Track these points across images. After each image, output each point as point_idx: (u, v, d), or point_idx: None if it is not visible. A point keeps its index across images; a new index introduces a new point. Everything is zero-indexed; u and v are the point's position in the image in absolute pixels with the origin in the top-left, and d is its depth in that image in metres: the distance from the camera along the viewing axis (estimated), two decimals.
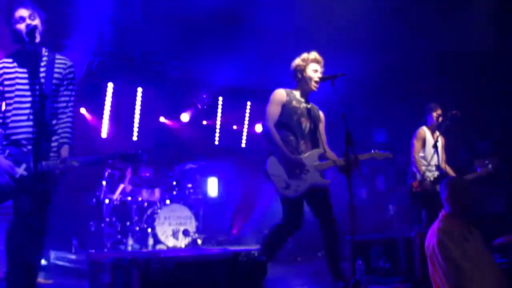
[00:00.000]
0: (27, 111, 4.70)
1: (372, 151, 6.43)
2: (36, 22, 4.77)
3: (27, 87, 4.75)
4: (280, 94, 6.27)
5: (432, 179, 8.19)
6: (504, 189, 9.47)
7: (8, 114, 4.73)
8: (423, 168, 8.24)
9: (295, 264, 10.07)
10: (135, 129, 12.77)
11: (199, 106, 13.70)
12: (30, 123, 4.68)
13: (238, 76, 12.42)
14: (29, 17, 4.75)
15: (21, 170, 4.61)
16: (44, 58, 4.89)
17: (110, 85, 12.26)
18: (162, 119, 13.39)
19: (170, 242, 10.44)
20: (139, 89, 12.83)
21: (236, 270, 4.36)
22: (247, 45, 10.81)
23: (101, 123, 12.19)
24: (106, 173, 10.76)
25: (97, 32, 10.18)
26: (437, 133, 8.58)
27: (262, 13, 10.14)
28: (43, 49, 4.93)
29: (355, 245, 6.17)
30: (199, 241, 10.76)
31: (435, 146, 8.11)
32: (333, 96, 5.66)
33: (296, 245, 10.81)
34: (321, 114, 6.55)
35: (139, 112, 12.84)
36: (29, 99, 4.72)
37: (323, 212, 6.17)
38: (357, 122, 8.45)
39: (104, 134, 12.18)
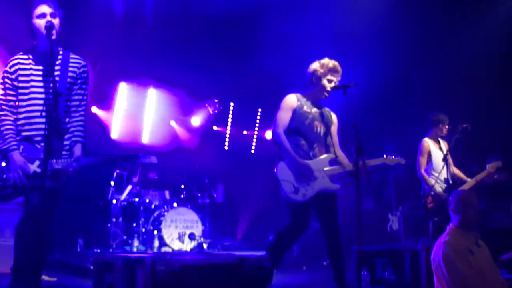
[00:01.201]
0: (41, 107, 4.78)
1: (385, 156, 6.42)
2: (56, 20, 4.84)
3: (41, 84, 4.83)
4: (291, 99, 6.27)
5: (441, 191, 8.10)
6: None
7: (22, 110, 4.82)
8: (433, 181, 8.20)
9: (301, 272, 10.03)
10: (145, 131, 12.79)
11: (210, 111, 13.71)
12: (43, 119, 4.76)
13: (250, 82, 12.42)
14: (51, 14, 4.81)
15: (34, 167, 4.69)
16: (59, 57, 4.95)
17: (122, 85, 12.29)
18: (172, 122, 13.40)
19: (176, 245, 10.43)
20: (151, 90, 12.85)
21: (241, 275, 4.34)
22: (259, 50, 10.82)
23: (111, 123, 12.20)
24: (115, 174, 10.77)
25: (107, 31, 10.20)
26: (441, 141, 8.54)
27: (275, 19, 10.16)
28: (59, 48, 5.00)
29: (361, 255, 6.16)
30: (205, 245, 10.74)
31: (444, 159, 8.07)
32: (344, 105, 5.66)
33: (301, 253, 10.80)
34: (333, 116, 6.54)
35: (150, 114, 12.86)
36: (43, 96, 4.80)
37: (328, 217, 6.15)
38: (368, 133, 8.43)
39: (114, 135, 12.20)
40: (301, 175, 6.00)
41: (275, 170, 6.07)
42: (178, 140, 13.24)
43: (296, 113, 6.21)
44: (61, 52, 4.99)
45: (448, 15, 10.38)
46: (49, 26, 4.73)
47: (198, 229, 10.78)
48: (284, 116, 6.23)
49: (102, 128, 12.03)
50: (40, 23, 4.79)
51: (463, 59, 10.39)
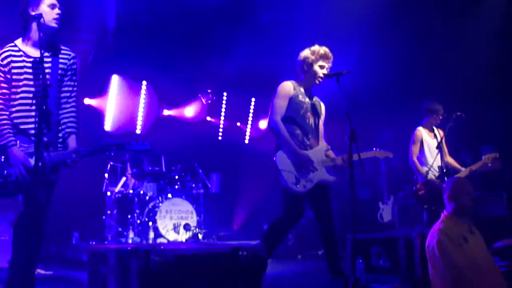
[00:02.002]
0: (34, 100, 4.69)
1: (374, 149, 6.41)
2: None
3: (32, 76, 4.75)
4: (288, 86, 6.21)
5: (437, 175, 8.10)
6: (505, 192, 9.43)
7: (15, 102, 4.74)
8: (425, 169, 8.22)
9: (296, 261, 10.06)
10: (139, 123, 12.78)
11: (203, 102, 13.69)
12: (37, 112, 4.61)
13: (243, 72, 12.39)
14: (59, 7, 4.81)
15: (33, 161, 4.50)
16: (50, 48, 4.89)
17: (115, 78, 12.26)
18: (166, 112, 13.39)
19: (171, 236, 10.44)
20: (144, 83, 12.83)
21: (236, 264, 4.35)
22: (252, 40, 10.81)
23: (105, 116, 12.18)
24: (109, 166, 10.76)
25: (100, 23, 10.18)
26: (436, 130, 8.55)
27: (267, 7, 10.14)
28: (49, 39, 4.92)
29: (355, 244, 6.17)
30: (200, 236, 10.75)
31: (438, 147, 8.07)
32: (338, 93, 5.64)
33: (296, 242, 10.82)
34: (322, 107, 6.51)
35: (143, 105, 12.84)
36: (33, 89, 4.73)
37: (322, 207, 6.16)
38: (363, 122, 8.42)
39: (107, 127, 12.17)
40: (301, 166, 5.98)
41: (274, 159, 6.03)
42: (172, 131, 13.22)
43: (292, 102, 6.17)
44: (51, 43, 4.93)
45: (444, 5, 10.38)
46: (57, 18, 4.75)
47: (193, 220, 10.78)
48: (281, 104, 6.15)
49: (96, 120, 11.99)
50: (48, 12, 4.74)
51: (458, 48, 10.41)
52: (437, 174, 8.13)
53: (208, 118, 14.19)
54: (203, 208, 11.30)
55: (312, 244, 10.22)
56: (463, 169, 8.23)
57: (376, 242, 6.90)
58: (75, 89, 5.02)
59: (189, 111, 13.65)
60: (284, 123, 6.12)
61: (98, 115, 12.10)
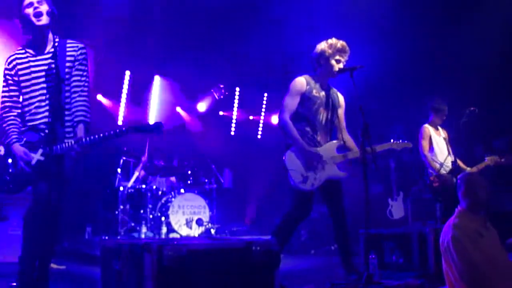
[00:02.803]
0: (43, 96, 4.91)
1: (392, 140, 6.35)
2: (44, 7, 4.90)
3: (41, 73, 4.95)
4: (300, 83, 6.15)
5: (448, 171, 8.21)
6: None
7: (26, 102, 4.97)
8: (437, 165, 8.22)
9: (309, 256, 10.05)
10: (151, 118, 12.80)
11: (216, 96, 13.70)
12: (47, 107, 4.86)
13: (256, 66, 12.38)
14: (38, 2, 4.89)
15: (37, 156, 4.75)
16: (56, 44, 4.98)
17: (127, 73, 12.28)
18: (178, 109, 13.41)
19: (184, 231, 10.45)
20: (156, 78, 12.84)
21: (249, 259, 4.34)
22: (265, 35, 10.79)
23: (118, 111, 12.20)
24: (121, 161, 10.78)
25: (113, 19, 10.19)
26: (441, 129, 8.64)
27: (281, 2, 10.11)
28: (54, 36, 5.07)
29: (369, 239, 6.15)
30: (213, 231, 10.76)
31: (448, 143, 8.15)
32: (351, 88, 5.62)
33: (309, 238, 10.81)
34: (341, 98, 6.44)
35: (155, 100, 12.86)
36: (44, 85, 4.92)
37: (334, 203, 6.15)
38: (376, 117, 8.39)
39: (120, 122, 12.20)
40: (309, 163, 5.95)
41: (284, 159, 6.00)
42: (185, 126, 13.24)
43: (305, 97, 6.11)
44: (57, 40, 5.04)
45: (455, 1, 10.33)
46: (37, 13, 4.86)
47: (205, 215, 10.79)
48: (291, 102, 6.12)
49: (108, 116, 12.03)
50: (29, 11, 4.88)
51: (471, 43, 10.34)
52: (448, 169, 8.20)
53: (221, 113, 14.19)
54: (216, 203, 11.31)
55: (325, 240, 10.20)
56: (468, 168, 8.27)
57: (389, 238, 6.89)
58: (84, 78, 5.10)
59: (202, 106, 13.66)
60: (294, 120, 6.09)
61: (111, 111, 12.13)
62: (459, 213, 4.88)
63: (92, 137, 4.77)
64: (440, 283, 5.15)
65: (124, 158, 10.85)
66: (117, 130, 4.80)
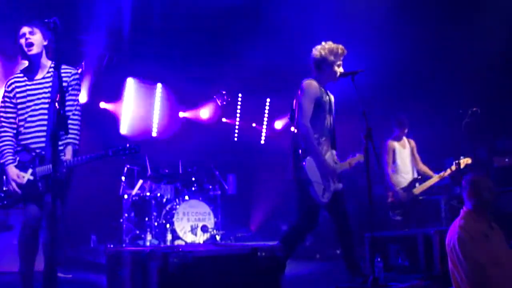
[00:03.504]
0: (36, 118, 5.29)
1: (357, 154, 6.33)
2: (36, 36, 5.36)
3: (36, 97, 5.35)
4: (315, 86, 5.96)
5: (405, 185, 8.68)
6: None
7: (21, 123, 5.34)
8: (395, 179, 8.74)
9: (314, 261, 10.04)
10: (155, 125, 12.82)
11: (219, 103, 13.71)
12: (39, 128, 5.29)
13: (258, 72, 12.39)
14: (29, 33, 5.33)
15: (27, 175, 5.15)
16: (50, 69, 5.41)
17: (130, 81, 12.30)
18: (181, 114, 13.42)
19: (189, 238, 10.44)
20: (159, 85, 12.87)
21: (254, 265, 4.34)
22: (266, 40, 10.79)
23: (121, 119, 12.22)
24: (125, 169, 10.79)
25: (115, 27, 10.22)
26: (407, 140, 8.99)
27: (281, 9, 10.11)
28: (50, 62, 5.46)
29: (373, 242, 6.14)
30: (218, 237, 10.75)
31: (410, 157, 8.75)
32: (352, 92, 5.61)
33: (315, 242, 10.78)
34: (333, 101, 6.26)
35: (158, 108, 12.88)
36: (38, 107, 5.32)
37: (337, 209, 6.08)
38: (376, 120, 8.39)
39: (123, 130, 12.21)
40: (325, 176, 5.85)
41: (304, 168, 5.77)
42: (188, 133, 13.24)
43: (317, 103, 5.93)
44: (52, 65, 5.40)
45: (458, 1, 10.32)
46: (28, 43, 5.31)
47: (210, 221, 10.78)
48: (309, 106, 5.86)
49: (112, 123, 12.05)
50: (22, 42, 5.34)
51: (472, 43, 10.33)
52: (405, 185, 8.68)
53: (224, 119, 14.20)
54: (220, 210, 11.31)
55: (331, 243, 10.18)
56: (435, 175, 8.67)
57: (395, 240, 6.87)
58: (76, 103, 5.49)
59: (205, 112, 13.67)
60: None
61: (113, 118, 12.15)
62: (465, 214, 4.89)
63: (77, 159, 5.22)
64: (447, 284, 5.14)
65: (128, 166, 10.86)
66: (99, 154, 5.29)
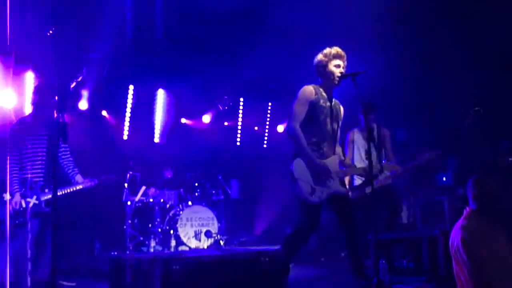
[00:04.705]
0: (37, 156, 6.52)
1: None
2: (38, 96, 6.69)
3: (36, 138, 6.58)
4: (309, 91, 6.08)
5: (360, 182, 8.21)
6: None
7: (25, 159, 6.52)
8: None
9: (318, 264, 10.01)
10: (157, 131, 12.81)
11: (220, 107, 13.70)
12: (37, 165, 6.53)
13: (259, 77, 12.38)
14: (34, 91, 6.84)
15: (33, 200, 6.31)
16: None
17: (131, 88, 12.29)
18: (183, 120, 13.42)
19: (193, 244, 10.43)
20: (160, 91, 12.86)
21: (258, 269, 4.33)
22: (268, 45, 10.78)
23: (123, 125, 12.21)
24: (128, 175, 10.77)
25: (117, 33, 10.22)
26: (376, 129, 8.44)
27: (283, 12, 10.11)
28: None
29: (378, 244, 6.12)
30: (222, 242, 10.74)
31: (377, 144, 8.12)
32: (353, 93, 5.60)
33: (319, 245, 10.76)
34: (341, 110, 6.40)
35: (160, 114, 12.87)
36: (37, 148, 6.54)
37: (343, 214, 6.07)
38: (377, 121, 8.37)
39: (125, 136, 12.20)
40: (318, 176, 5.89)
41: (291, 167, 5.92)
42: (190, 138, 13.23)
43: (312, 107, 6.04)
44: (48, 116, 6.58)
45: (455, 4, 10.30)
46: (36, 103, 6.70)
47: (214, 226, 10.77)
48: (301, 110, 6.02)
49: (114, 130, 12.04)
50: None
51: (475, 43, 10.31)
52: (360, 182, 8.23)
53: (226, 124, 14.19)
54: (224, 215, 11.31)
55: (335, 246, 10.16)
56: (398, 167, 8.21)
57: (399, 242, 6.86)
58: (67, 150, 6.91)
59: (207, 117, 13.66)
60: (302, 129, 6.01)
61: (116, 125, 12.14)
62: (468, 214, 4.86)
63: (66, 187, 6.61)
64: (451, 286, 5.12)
65: (130, 172, 10.84)
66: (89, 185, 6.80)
